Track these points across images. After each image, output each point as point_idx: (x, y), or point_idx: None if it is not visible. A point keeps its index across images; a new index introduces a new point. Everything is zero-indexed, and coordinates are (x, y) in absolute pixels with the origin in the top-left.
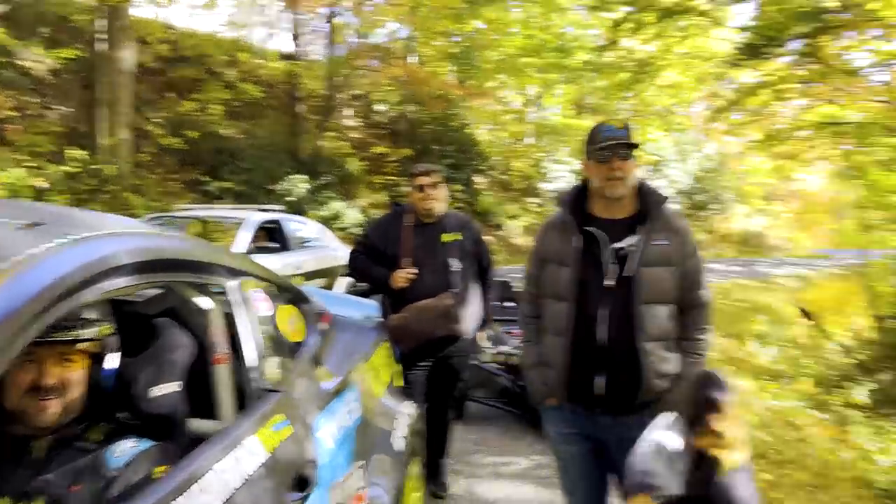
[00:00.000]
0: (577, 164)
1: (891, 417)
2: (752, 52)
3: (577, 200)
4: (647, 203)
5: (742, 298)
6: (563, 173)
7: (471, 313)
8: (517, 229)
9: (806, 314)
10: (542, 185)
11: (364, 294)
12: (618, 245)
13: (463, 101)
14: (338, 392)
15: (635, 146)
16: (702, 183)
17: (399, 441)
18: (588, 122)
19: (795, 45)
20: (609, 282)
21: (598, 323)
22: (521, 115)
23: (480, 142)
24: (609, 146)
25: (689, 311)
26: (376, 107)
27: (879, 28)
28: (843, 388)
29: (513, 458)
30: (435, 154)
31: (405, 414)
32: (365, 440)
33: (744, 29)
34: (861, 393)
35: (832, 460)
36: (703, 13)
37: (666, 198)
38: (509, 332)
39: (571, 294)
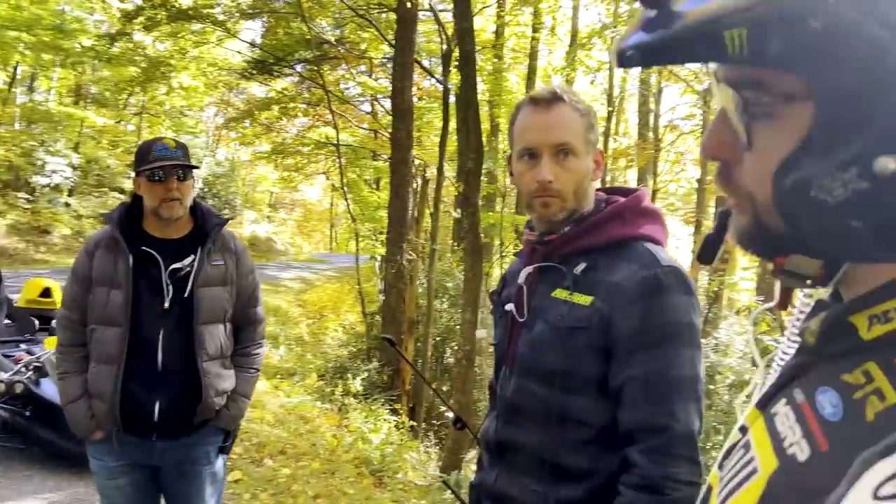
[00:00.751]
0: (76, 158)
1: (377, 400)
2: (263, 68)
3: (128, 218)
4: (204, 223)
5: None
6: (60, 167)
7: None
8: (0, 229)
9: (390, 342)
10: (36, 179)
11: None
12: (176, 266)
13: None
14: None
15: (194, 167)
16: (213, 188)
17: None
18: (90, 113)
19: (301, 68)
20: (166, 304)
21: (156, 346)
22: (8, 95)
23: None
24: (165, 167)
25: (246, 328)
26: None
27: (365, 65)
28: (343, 379)
29: (20, 501)
30: None
31: None
32: None
33: (253, 45)
34: (356, 382)
35: (338, 446)
36: (218, 23)
37: (226, 220)
38: (9, 356)
39: (125, 318)
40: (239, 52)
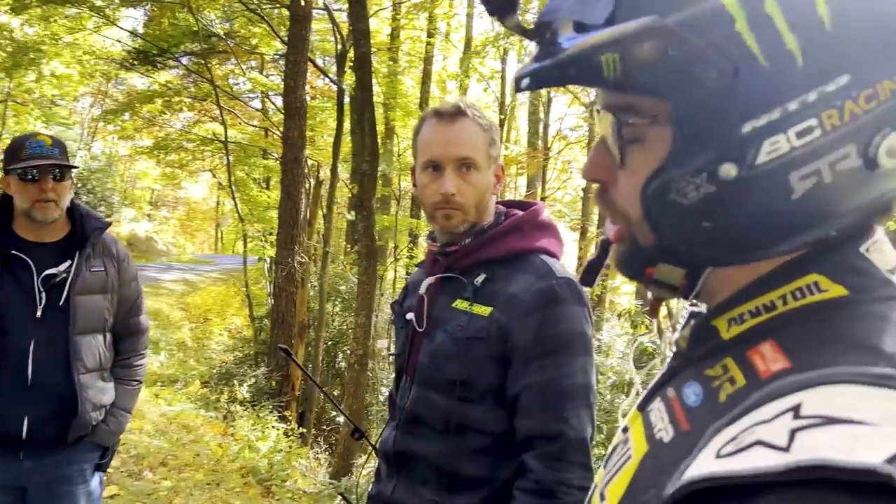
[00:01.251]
0: None
1: (265, 407)
2: (145, 59)
3: None
4: (83, 227)
5: None
6: None
7: None
8: None
9: (286, 352)
10: None
11: None
12: (51, 271)
13: None
14: None
15: (72, 167)
16: (87, 183)
17: None
18: None
19: (187, 60)
20: (38, 312)
21: (26, 357)
22: None
23: None
24: (39, 166)
25: (127, 339)
26: None
27: (256, 60)
28: (229, 385)
29: None
30: None
31: None
32: None
33: (135, 34)
34: (243, 389)
35: (223, 455)
36: (95, 8)
37: (107, 223)
38: None
39: None
40: (119, 41)
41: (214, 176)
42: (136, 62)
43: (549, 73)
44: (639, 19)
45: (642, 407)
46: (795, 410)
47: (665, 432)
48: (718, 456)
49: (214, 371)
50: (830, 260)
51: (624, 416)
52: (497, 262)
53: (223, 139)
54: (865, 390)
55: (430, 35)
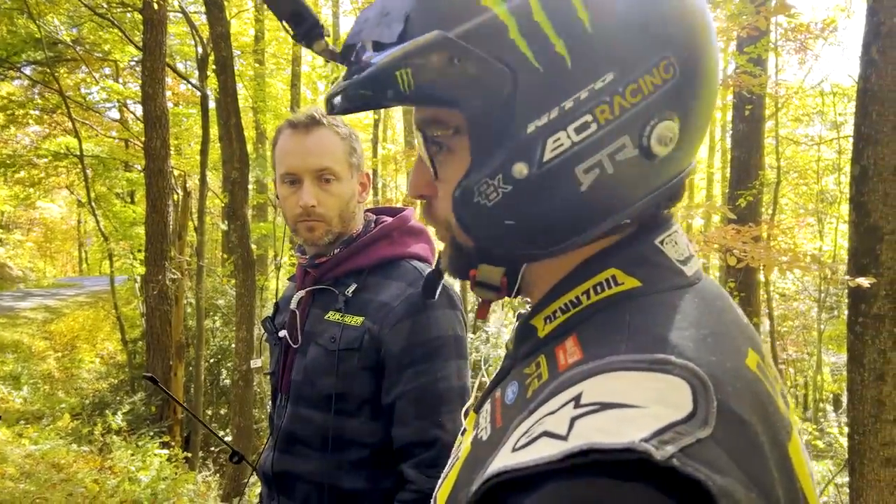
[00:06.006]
0: None
1: (145, 435)
2: None
3: None
4: None
5: None
6: None
7: None
8: None
9: (152, 380)
10: None
11: None
12: None
13: None
14: None
15: None
16: None
17: None
18: None
19: (30, 70)
20: None
21: None
22: None
23: None
24: None
25: None
26: None
27: (110, 67)
28: (103, 415)
29: None
30: None
31: None
32: None
33: None
34: (118, 418)
35: (100, 491)
36: None
37: None
38: None
39: None
40: None
41: (72, 193)
42: None
43: (357, 92)
44: (426, 35)
45: (477, 409)
46: (577, 399)
47: (485, 431)
48: (514, 449)
49: (87, 401)
50: (626, 254)
51: (465, 417)
52: (368, 271)
53: (78, 153)
54: (639, 375)
55: None
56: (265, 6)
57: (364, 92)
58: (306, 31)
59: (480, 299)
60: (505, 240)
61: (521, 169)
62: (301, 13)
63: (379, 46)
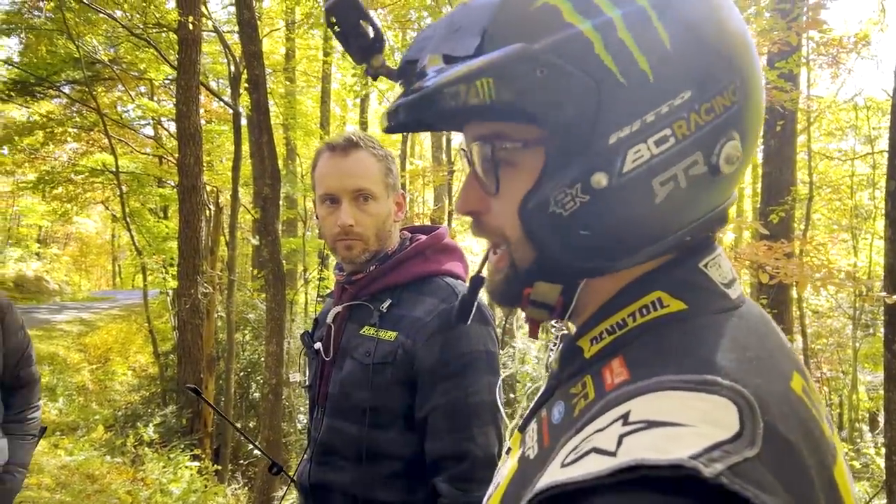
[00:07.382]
0: None
1: (176, 447)
2: (23, 89)
3: None
4: None
5: None
6: None
7: None
8: None
9: (196, 392)
10: None
11: None
12: None
13: None
14: None
15: None
16: None
17: None
18: None
19: (69, 89)
20: None
21: None
22: None
23: None
24: None
25: (18, 391)
26: None
27: (145, 86)
28: (135, 427)
29: None
30: None
31: None
32: None
33: (10, 63)
34: (150, 430)
35: (134, 503)
36: None
37: None
38: None
39: None
40: None
41: (107, 208)
42: (12, 93)
43: (419, 105)
44: (509, 47)
45: (522, 428)
46: (625, 417)
47: (532, 450)
48: (563, 465)
49: (120, 413)
50: (671, 277)
51: (510, 436)
52: (402, 287)
53: (114, 170)
54: (687, 395)
55: (326, 54)
56: (297, 26)
57: (432, 105)
58: (368, 44)
59: (530, 319)
60: (577, 251)
61: (599, 179)
62: (367, 23)
63: (451, 59)
